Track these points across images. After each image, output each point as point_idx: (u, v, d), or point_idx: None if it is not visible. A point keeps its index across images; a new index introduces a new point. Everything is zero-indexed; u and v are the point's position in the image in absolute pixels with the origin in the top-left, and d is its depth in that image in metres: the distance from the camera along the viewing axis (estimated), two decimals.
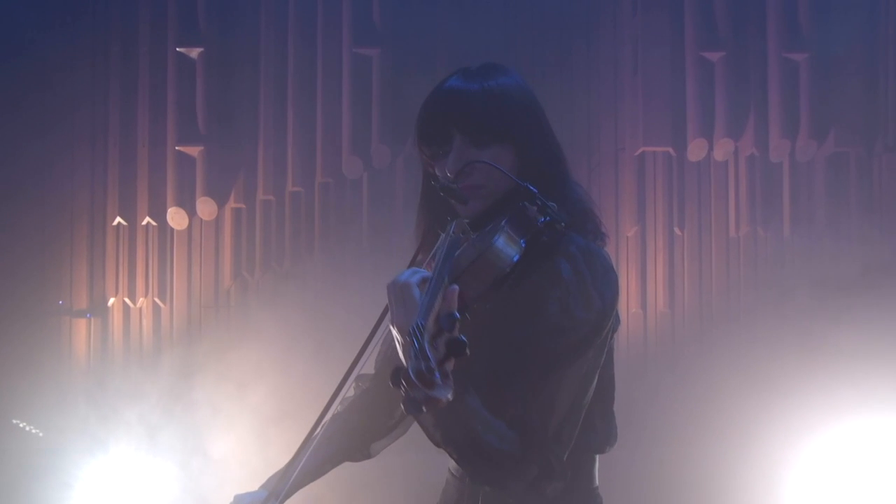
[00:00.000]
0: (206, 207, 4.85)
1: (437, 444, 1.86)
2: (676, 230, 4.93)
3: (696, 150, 4.91)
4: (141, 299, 4.85)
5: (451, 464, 2.10)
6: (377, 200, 4.82)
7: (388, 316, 1.84)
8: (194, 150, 4.85)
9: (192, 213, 4.85)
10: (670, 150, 4.91)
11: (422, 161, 2.06)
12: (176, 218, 4.84)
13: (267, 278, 4.82)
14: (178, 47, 4.84)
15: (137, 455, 4.53)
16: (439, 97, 2.02)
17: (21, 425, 4.62)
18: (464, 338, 1.62)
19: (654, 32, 4.84)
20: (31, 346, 4.66)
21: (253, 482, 4.55)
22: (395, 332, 1.80)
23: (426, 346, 1.61)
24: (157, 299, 4.85)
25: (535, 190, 1.89)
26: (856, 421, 4.51)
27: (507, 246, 1.84)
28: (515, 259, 1.83)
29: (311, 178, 4.85)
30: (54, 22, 4.74)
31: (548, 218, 1.87)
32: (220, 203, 4.86)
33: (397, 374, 1.59)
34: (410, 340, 1.62)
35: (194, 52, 4.85)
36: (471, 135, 1.98)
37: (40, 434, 4.62)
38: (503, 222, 1.87)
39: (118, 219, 4.86)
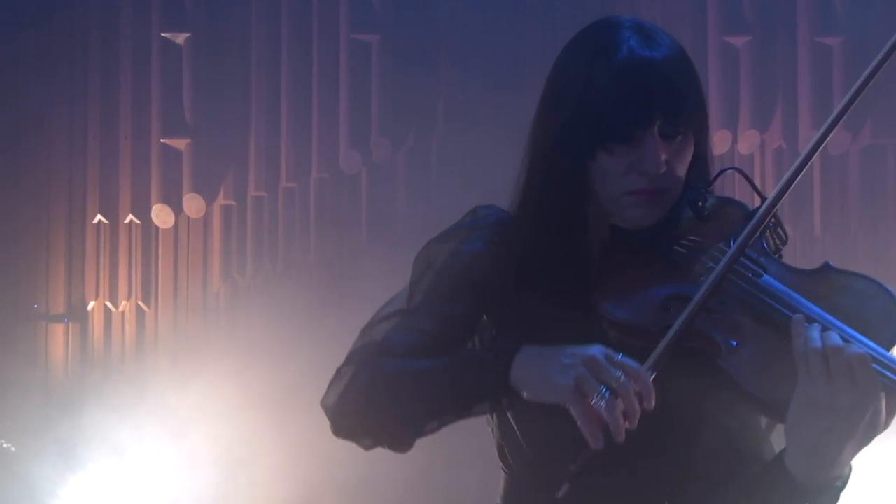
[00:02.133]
0: (193, 204, 4.80)
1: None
2: None
3: (718, 143, 4.82)
4: (123, 303, 4.81)
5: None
6: (377, 197, 4.79)
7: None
8: (181, 143, 4.82)
9: (178, 210, 4.81)
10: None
11: (576, 140, 1.72)
12: (161, 215, 4.80)
13: (259, 280, 4.80)
14: (163, 32, 4.81)
15: (118, 471, 4.51)
16: (641, 70, 1.68)
17: None
18: None
19: (674, 16, 4.79)
20: (3, 353, 4.61)
21: (243, 497, 4.51)
22: (839, 408, 1.55)
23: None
24: (140, 303, 4.81)
25: (779, 217, 1.66)
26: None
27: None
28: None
29: (307, 173, 4.82)
30: (27, 5, 4.73)
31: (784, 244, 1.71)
32: (209, 200, 4.82)
33: None
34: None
35: (180, 38, 4.81)
36: (675, 122, 1.69)
37: (13, 449, 4.57)
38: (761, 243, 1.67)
39: (98, 216, 4.82)
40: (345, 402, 1.74)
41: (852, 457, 1.58)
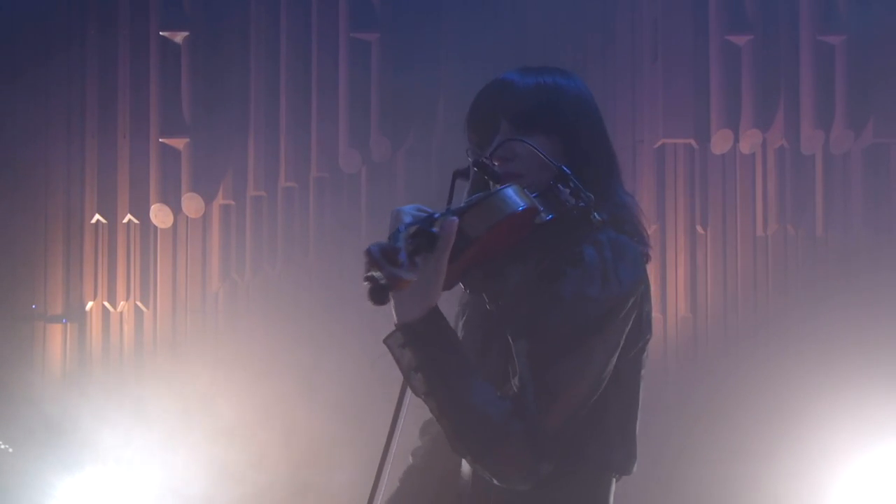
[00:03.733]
0: (192, 204, 4.81)
1: (417, 394, 1.95)
2: (699, 229, 4.90)
3: (720, 142, 4.86)
4: (121, 303, 4.82)
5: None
6: (377, 197, 4.80)
7: None
8: (179, 143, 4.82)
9: (177, 210, 4.82)
10: (692, 142, 4.88)
11: (470, 152, 2.16)
12: (160, 215, 4.80)
13: (258, 280, 4.80)
14: (162, 31, 4.81)
15: (117, 473, 4.53)
16: (492, 87, 2.17)
17: None
18: (435, 230, 1.84)
19: (676, 14, 4.81)
20: (1, 354, 4.65)
21: (243, 500, 4.53)
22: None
23: (399, 236, 1.83)
24: (139, 303, 4.81)
25: (568, 171, 1.99)
26: None
27: (516, 195, 1.93)
28: (521, 208, 1.91)
29: (306, 173, 4.82)
30: (26, 4, 4.73)
31: (581, 203, 1.97)
32: (208, 199, 4.82)
33: (367, 256, 1.82)
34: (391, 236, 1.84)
35: (179, 37, 4.82)
36: (517, 122, 2.09)
37: (10, 450, 4.59)
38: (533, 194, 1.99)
39: (97, 216, 4.83)
40: None
41: (408, 304, 1.93)
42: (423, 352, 1.92)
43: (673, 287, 4.86)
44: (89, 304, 4.80)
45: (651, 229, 4.75)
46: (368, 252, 1.82)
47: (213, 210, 4.82)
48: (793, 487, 4.56)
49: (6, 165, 4.72)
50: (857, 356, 4.51)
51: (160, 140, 4.78)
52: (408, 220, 1.92)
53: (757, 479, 4.57)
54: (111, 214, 4.79)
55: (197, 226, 4.82)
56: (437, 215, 1.91)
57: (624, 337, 2.00)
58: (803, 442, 4.54)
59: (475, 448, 1.92)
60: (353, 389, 4.35)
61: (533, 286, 1.98)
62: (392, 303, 1.92)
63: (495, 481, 1.93)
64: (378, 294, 1.80)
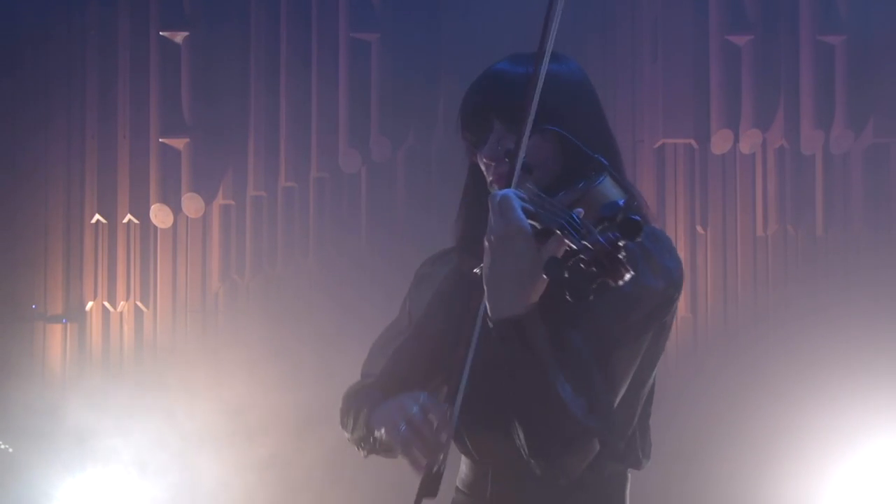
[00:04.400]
0: (192, 204, 4.80)
1: (503, 388, 1.87)
2: (699, 229, 4.89)
3: (720, 142, 4.85)
4: (121, 303, 4.82)
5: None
6: (377, 196, 4.79)
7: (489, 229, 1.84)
8: (179, 143, 4.82)
9: (176, 210, 4.81)
10: (692, 142, 4.87)
11: (466, 151, 2.09)
12: (160, 215, 4.79)
13: (258, 280, 4.80)
14: (162, 31, 4.81)
15: (117, 474, 4.51)
16: (483, 81, 2.07)
17: None
18: (637, 217, 1.68)
19: (676, 14, 4.80)
20: (1, 354, 4.65)
21: (242, 497, 4.52)
22: (494, 241, 1.81)
23: (587, 225, 1.70)
24: (139, 303, 4.81)
25: (606, 163, 1.90)
26: None
27: (612, 187, 1.87)
28: (622, 203, 1.75)
29: (306, 173, 4.82)
30: (26, 4, 4.72)
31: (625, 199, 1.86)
32: (208, 199, 4.82)
33: (554, 263, 1.69)
34: (563, 228, 1.71)
35: (179, 37, 4.81)
36: (509, 121, 1.98)
37: (10, 450, 4.58)
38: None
39: (97, 216, 4.82)
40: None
41: (517, 293, 1.81)
42: (526, 349, 1.83)
43: None
44: (89, 304, 4.80)
45: None
46: (580, 250, 1.69)
47: (213, 210, 4.81)
48: (791, 486, 4.56)
49: (6, 165, 4.72)
50: (856, 356, 4.50)
51: (160, 140, 4.78)
52: (547, 206, 1.79)
53: (756, 478, 4.56)
54: (111, 214, 4.79)
55: (197, 226, 4.81)
56: (621, 202, 1.74)
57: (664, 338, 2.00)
58: (803, 441, 4.53)
59: (555, 447, 1.88)
60: None
61: None
62: (489, 292, 1.84)
63: (561, 479, 1.92)
64: (587, 289, 1.67)
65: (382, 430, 1.98)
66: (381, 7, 4.79)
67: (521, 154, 1.89)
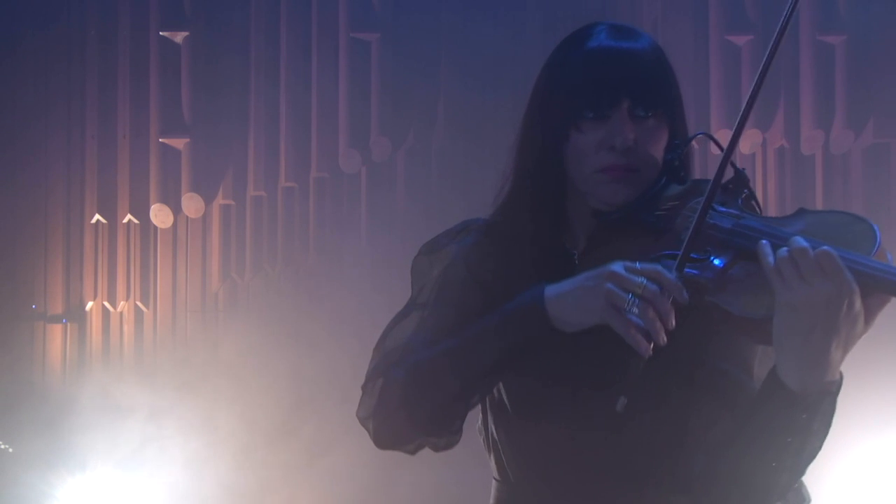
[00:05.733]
0: (192, 204, 4.80)
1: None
2: None
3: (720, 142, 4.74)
4: (122, 303, 4.81)
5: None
6: (377, 197, 4.77)
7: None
8: (179, 143, 4.81)
9: (176, 210, 4.80)
10: (692, 142, 4.74)
11: (551, 124, 1.81)
12: (160, 215, 4.79)
13: (258, 280, 4.79)
14: (162, 31, 4.80)
15: (117, 474, 4.50)
16: (606, 52, 1.80)
17: None
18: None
19: (676, 14, 4.78)
20: (1, 354, 4.63)
21: (242, 497, 4.51)
22: (816, 304, 1.59)
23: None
24: (139, 303, 4.80)
25: (748, 177, 1.76)
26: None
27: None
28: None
29: (306, 173, 4.81)
30: (25, 4, 4.72)
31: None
32: (208, 199, 4.81)
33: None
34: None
35: (179, 37, 4.81)
36: (640, 101, 1.78)
37: (10, 450, 4.57)
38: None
39: (97, 216, 4.81)
40: (387, 405, 1.77)
41: (840, 358, 1.62)
42: (830, 420, 1.71)
43: None
44: (89, 304, 4.79)
45: None
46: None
47: (213, 210, 4.81)
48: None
49: (6, 165, 4.70)
50: (857, 356, 4.44)
51: (160, 140, 4.77)
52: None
53: None
54: (111, 214, 4.78)
55: (197, 226, 4.80)
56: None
57: None
58: None
59: None
60: (354, 389, 4.33)
61: None
62: (797, 361, 1.63)
63: None
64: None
65: (587, 315, 1.64)
66: (381, 7, 4.77)
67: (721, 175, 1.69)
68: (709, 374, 1.75)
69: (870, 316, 1.61)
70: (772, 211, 4.84)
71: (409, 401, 1.74)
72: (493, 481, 1.86)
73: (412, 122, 4.74)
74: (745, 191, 1.75)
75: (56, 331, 4.76)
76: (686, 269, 1.64)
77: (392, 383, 1.76)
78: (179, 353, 4.67)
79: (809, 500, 1.86)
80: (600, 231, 1.80)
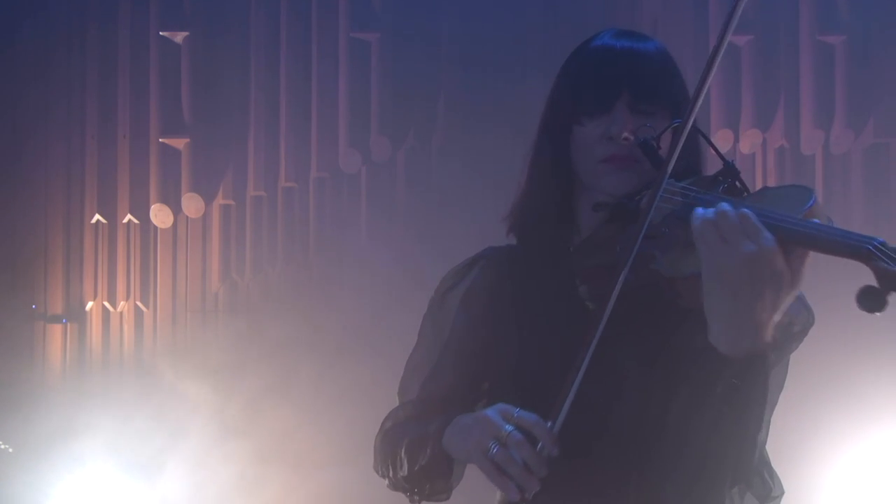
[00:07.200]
0: (192, 204, 4.80)
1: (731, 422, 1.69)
2: None
3: (720, 143, 4.77)
4: (122, 303, 4.81)
5: None
6: (377, 197, 4.77)
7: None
8: (179, 143, 4.81)
9: (177, 210, 4.81)
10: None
11: (556, 121, 1.90)
12: (160, 215, 4.79)
13: (258, 281, 4.79)
14: (162, 31, 4.80)
15: (116, 473, 4.50)
16: (607, 50, 1.88)
17: None
18: None
19: (675, 14, 4.79)
20: (1, 354, 4.62)
21: (241, 496, 4.51)
22: (738, 266, 1.61)
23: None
24: (139, 303, 4.80)
25: (738, 169, 1.76)
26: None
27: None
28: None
29: (306, 173, 4.81)
30: (25, 3, 4.72)
31: None
32: (208, 199, 4.82)
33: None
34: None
35: (179, 37, 4.81)
36: (640, 96, 1.84)
37: (10, 450, 4.57)
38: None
39: (97, 216, 4.81)
40: (374, 460, 1.98)
41: (768, 320, 1.63)
42: (765, 387, 1.69)
43: None
44: (89, 304, 4.79)
45: None
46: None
47: (213, 210, 4.81)
48: (791, 486, 4.54)
49: (6, 165, 4.71)
50: (856, 356, 4.46)
51: (160, 140, 4.78)
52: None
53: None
54: (111, 214, 4.78)
55: (197, 226, 4.80)
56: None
57: None
58: (804, 441, 4.49)
59: (718, 492, 1.79)
60: (353, 389, 4.33)
61: None
62: (724, 327, 1.64)
63: None
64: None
65: (464, 455, 1.72)
66: (381, 7, 4.78)
67: (677, 152, 1.72)
68: (668, 351, 1.76)
69: (795, 275, 1.64)
70: None
71: (378, 466, 1.94)
72: None
73: (412, 122, 4.74)
74: (730, 180, 1.75)
75: (56, 331, 4.76)
76: (643, 248, 1.66)
77: (375, 441, 1.96)
78: (179, 353, 4.66)
79: (781, 493, 1.91)
80: (596, 221, 1.86)
